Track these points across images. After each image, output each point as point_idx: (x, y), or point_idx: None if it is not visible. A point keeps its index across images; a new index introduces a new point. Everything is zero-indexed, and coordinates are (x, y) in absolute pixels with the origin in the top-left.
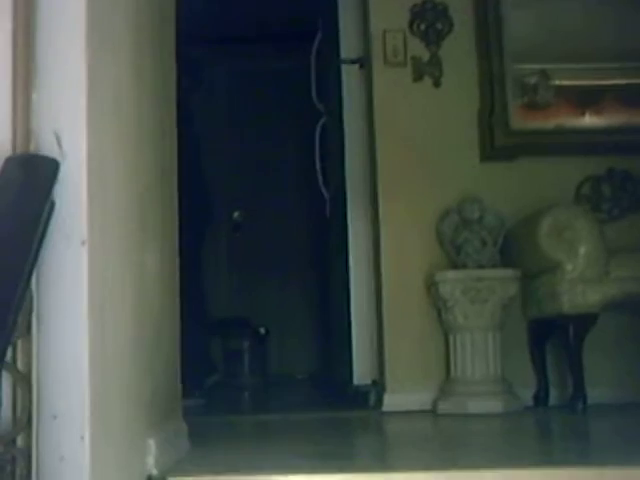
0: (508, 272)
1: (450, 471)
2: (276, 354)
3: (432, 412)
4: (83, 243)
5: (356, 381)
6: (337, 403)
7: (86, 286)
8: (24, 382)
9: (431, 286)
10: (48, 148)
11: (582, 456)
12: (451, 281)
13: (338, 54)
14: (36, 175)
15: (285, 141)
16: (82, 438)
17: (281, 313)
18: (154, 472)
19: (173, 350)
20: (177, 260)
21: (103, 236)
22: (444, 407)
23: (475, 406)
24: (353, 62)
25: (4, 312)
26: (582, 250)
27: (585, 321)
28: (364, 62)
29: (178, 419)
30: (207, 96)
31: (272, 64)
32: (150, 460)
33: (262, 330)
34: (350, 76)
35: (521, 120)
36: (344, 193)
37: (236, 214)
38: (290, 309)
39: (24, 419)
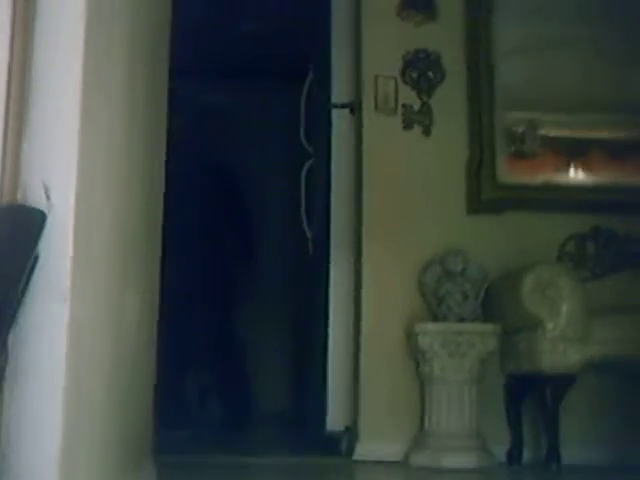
0: (488, 327)
1: None
2: (249, 389)
3: (404, 464)
4: (65, 299)
5: (329, 426)
6: (308, 447)
7: (65, 342)
8: None
9: (410, 336)
10: (36, 199)
11: None
12: (431, 333)
13: (329, 96)
14: (22, 226)
15: (270, 179)
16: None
17: (256, 348)
18: None
19: (148, 390)
20: (156, 302)
21: (85, 290)
22: (417, 460)
23: (448, 460)
24: (344, 106)
25: None
26: (564, 309)
27: (564, 381)
28: (355, 107)
29: (150, 468)
30: (191, 128)
31: (261, 101)
32: None
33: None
34: (340, 120)
35: (509, 173)
36: (328, 235)
37: None
38: (266, 345)
39: None
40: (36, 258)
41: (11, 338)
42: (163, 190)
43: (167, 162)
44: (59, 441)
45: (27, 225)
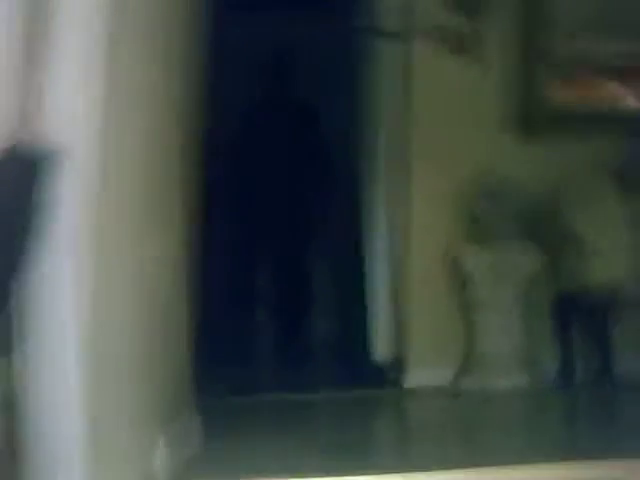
0: (533, 248)
1: (472, 469)
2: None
3: (453, 389)
4: (81, 249)
5: (376, 356)
6: (355, 379)
7: (78, 296)
8: (7, 402)
9: (455, 260)
10: (51, 143)
11: (610, 444)
12: (476, 256)
13: (375, 25)
14: (34, 172)
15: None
16: (72, 462)
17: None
18: (161, 476)
19: (184, 344)
20: (191, 249)
21: (106, 240)
22: (466, 384)
23: (497, 383)
24: (391, 35)
25: None
26: (607, 224)
27: (611, 296)
28: (403, 34)
29: (190, 414)
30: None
31: (307, 30)
32: (158, 462)
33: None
34: (388, 48)
35: (558, 97)
36: (375, 159)
37: None
38: (307, 276)
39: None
40: (44, 208)
41: (22, 293)
42: (201, 131)
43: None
44: (82, 398)
45: (40, 171)
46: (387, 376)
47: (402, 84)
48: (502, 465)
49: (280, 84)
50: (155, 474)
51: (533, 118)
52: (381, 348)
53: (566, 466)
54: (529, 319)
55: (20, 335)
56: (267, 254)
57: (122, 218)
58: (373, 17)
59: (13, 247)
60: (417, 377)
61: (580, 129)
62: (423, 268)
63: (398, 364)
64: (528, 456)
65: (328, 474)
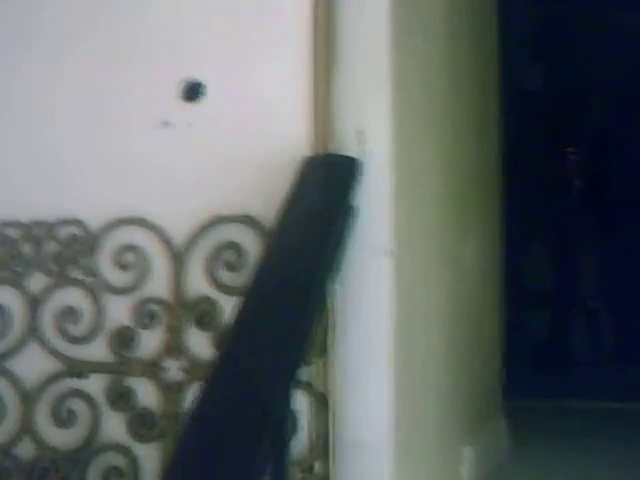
0: None
1: None
2: (609, 330)
3: None
4: (388, 254)
5: None
6: None
7: (391, 301)
8: (322, 405)
9: None
10: (349, 146)
11: None
12: None
13: None
14: (336, 176)
15: None
16: (382, 472)
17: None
18: None
19: (494, 344)
20: (500, 247)
21: (411, 244)
22: None
23: None
24: None
25: (298, 324)
26: None
27: None
28: None
29: (498, 418)
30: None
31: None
32: (464, 471)
33: (595, 303)
34: None
35: None
36: None
37: None
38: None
39: (321, 445)
40: (354, 209)
41: (334, 295)
42: (499, 125)
43: None
44: (391, 403)
45: (341, 175)
46: None
47: None
48: None
49: None
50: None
51: None
52: None
53: None
54: None
55: (335, 336)
56: (577, 257)
57: (431, 222)
58: None
59: (328, 248)
60: None
61: None
62: None
63: None
64: None
65: None
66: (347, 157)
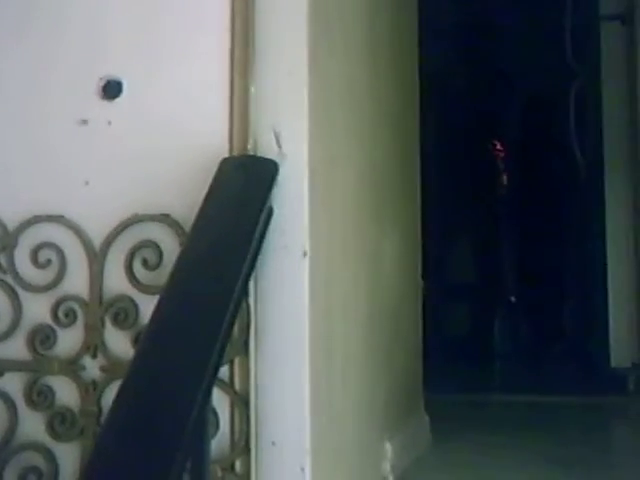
0: None
1: None
2: (525, 323)
3: None
4: (304, 254)
5: (613, 363)
6: (591, 385)
7: (307, 301)
8: (242, 403)
9: None
10: (266, 148)
11: None
12: None
13: (597, 9)
14: (253, 178)
15: (533, 101)
16: (302, 469)
17: (527, 280)
18: (390, 479)
19: (414, 339)
20: (419, 243)
21: (328, 244)
22: None
23: None
24: (614, 18)
25: (216, 323)
26: None
27: None
28: (627, 18)
29: (419, 414)
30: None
31: (520, 18)
32: (386, 466)
33: (512, 298)
34: (610, 33)
35: None
36: (601, 158)
37: None
38: (538, 277)
39: (242, 443)
40: (270, 211)
41: (251, 293)
42: (418, 122)
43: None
44: (309, 400)
45: (259, 176)
46: (625, 384)
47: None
48: None
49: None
50: (385, 476)
51: None
52: (620, 354)
53: None
54: None
55: (254, 335)
56: (498, 252)
57: (348, 223)
58: None
59: (245, 249)
60: None
61: None
62: None
63: (638, 372)
64: None
65: None
66: (264, 159)
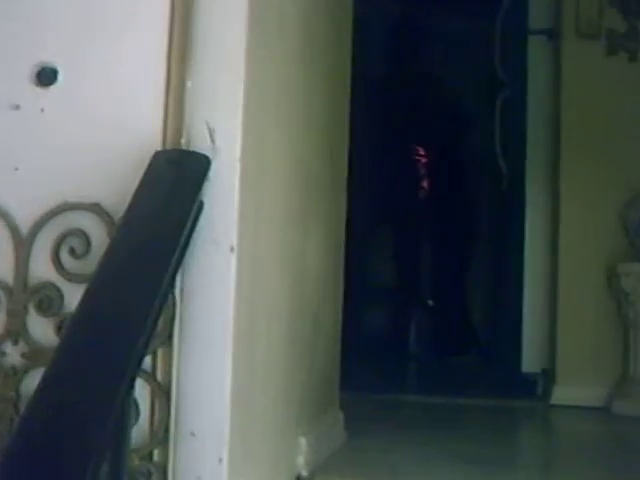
0: None
1: None
2: (441, 327)
3: (604, 410)
4: (232, 250)
5: (524, 368)
6: (502, 388)
7: (233, 295)
8: (163, 394)
9: (612, 277)
10: (200, 142)
11: None
12: (635, 274)
13: (526, 22)
14: (185, 172)
15: (461, 108)
16: (220, 460)
17: (445, 285)
18: (304, 473)
19: (334, 338)
20: (342, 243)
21: (255, 240)
22: (619, 407)
23: None
24: (541, 32)
25: (142, 315)
26: None
27: None
28: (554, 33)
29: (335, 410)
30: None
31: (451, 26)
32: (300, 460)
33: (430, 302)
34: (537, 47)
35: None
36: (523, 170)
37: None
38: (455, 282)
39: (161, 433)
40: (201, 205)
41: (177, 286)
42: (348, 124)
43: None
44: (229, 393)
45: (191, 170)
46: (534, 389)
47: (551, 84)
48: None
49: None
50: (299, 471)
51: None
52: (530, 359)
53: None
54: None
55: (178, 327)
56: (417, 257)
57: (275, 220)
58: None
59: (173, 242)
60: (566, 393)
61: None
62: (580, 283)
63: (547, 378)
64: None
65: None
66: (197, 153)
